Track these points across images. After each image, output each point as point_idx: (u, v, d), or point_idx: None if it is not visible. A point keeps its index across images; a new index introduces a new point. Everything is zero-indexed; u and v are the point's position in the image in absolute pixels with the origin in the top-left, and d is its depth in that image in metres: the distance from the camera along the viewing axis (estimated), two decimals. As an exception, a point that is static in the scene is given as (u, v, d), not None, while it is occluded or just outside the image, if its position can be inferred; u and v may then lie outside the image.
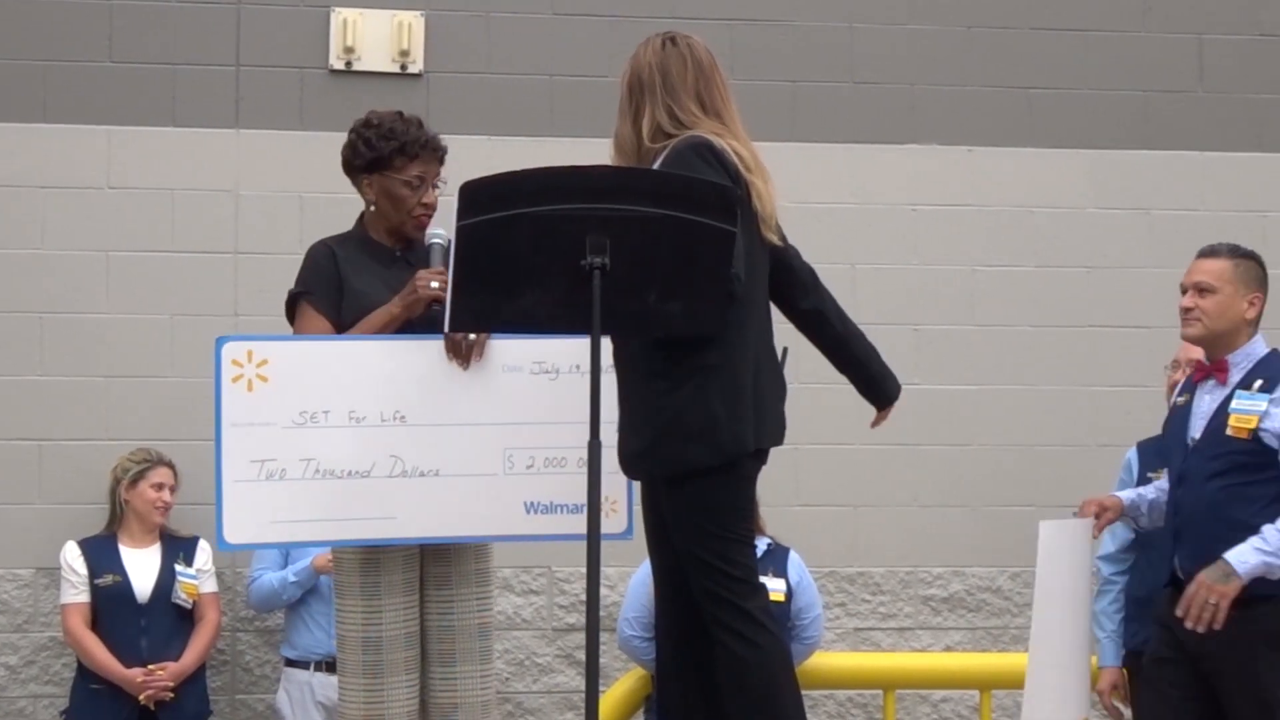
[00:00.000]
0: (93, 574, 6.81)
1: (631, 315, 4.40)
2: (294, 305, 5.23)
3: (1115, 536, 6.27)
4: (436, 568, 5.14)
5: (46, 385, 7.22)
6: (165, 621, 6.80)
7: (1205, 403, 5.44)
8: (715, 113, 4.73)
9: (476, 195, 4.29)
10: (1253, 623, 5.17)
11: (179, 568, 6.85)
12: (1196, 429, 5.42)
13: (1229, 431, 5.31)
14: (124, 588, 6.78)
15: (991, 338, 7.65)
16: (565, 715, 7.41)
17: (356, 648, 5.08)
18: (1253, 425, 5.27)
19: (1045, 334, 7.65)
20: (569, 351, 5.04)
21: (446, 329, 4.73)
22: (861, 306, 7.50)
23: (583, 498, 4.93)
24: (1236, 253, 5.50)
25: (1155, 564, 6.06)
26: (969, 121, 7.72)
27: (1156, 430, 6.36)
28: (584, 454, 4.87)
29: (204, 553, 6.95)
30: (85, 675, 6.80)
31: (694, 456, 4.55)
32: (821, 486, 7.42)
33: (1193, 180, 7.81)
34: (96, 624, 6.80)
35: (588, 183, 4.30)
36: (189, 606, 6.86)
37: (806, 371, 7.15)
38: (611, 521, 4.99)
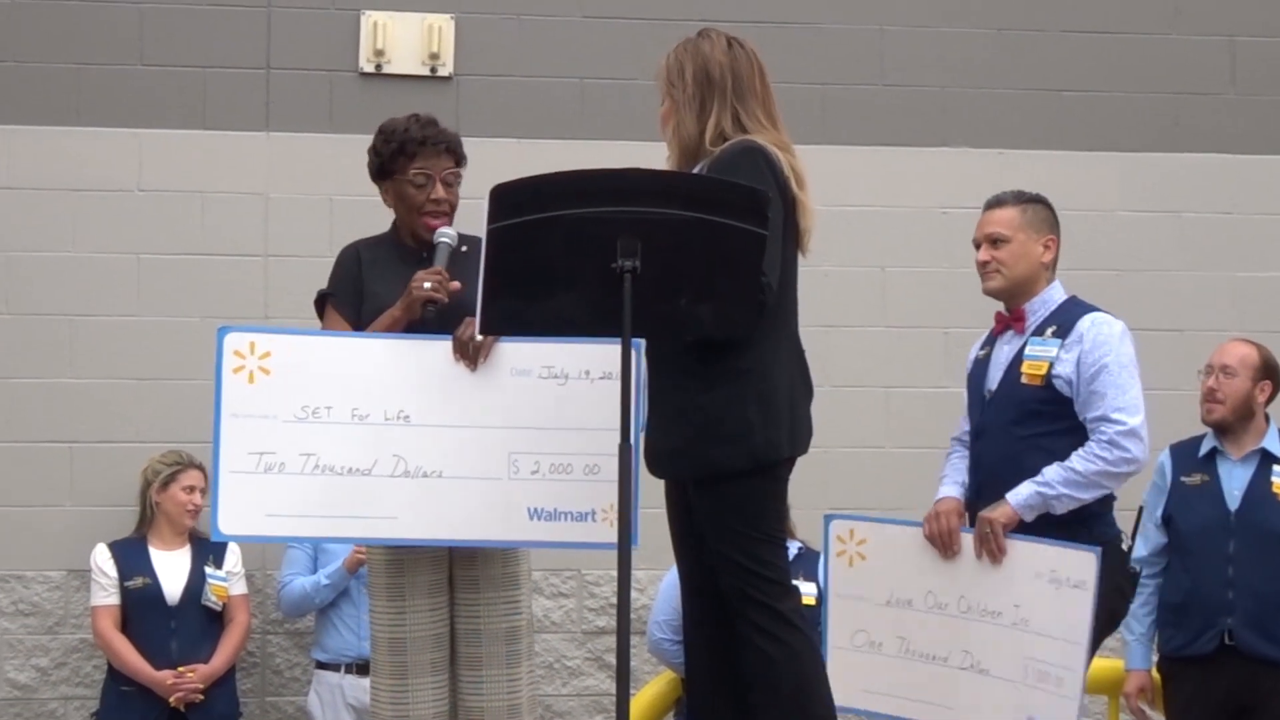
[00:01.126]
0: (123, 576, 6.83)
1: (662, 318, 4.38)
2: (323, 305, 5.27)
3: (1148, 540, 6.23)
4: (464, 571, 5.14)
5: (77, 388, 7.24)
6: (195, 623, 6.82)
7: (1003, 353, 5.42)
8: (775, 123, 4.71)
9: (507, 198, 4.28)
10: None
11: (209, 570, 6.86)
12: (994, 380, 5.40)
13: (1023, 380, 5.30)
14: (154, 590, 6.80)
15: (1022, 341, 7.64)
16: (595, 718, 7.41)
17: (384, 648, 5.09)
18: (1044, 370, 5.27)
19: (1075, 337, 7.63)
20: (578, 357, 5.00)
21: (477, 333, 4.72)
22: (892, 310, 7.56)
23: (586, 505, 4.96)
24: (1023, 198, 5.50)
25: (1190, 568, 6.06)
26: (999, 124, 7.71)
27: (1190, 433, 6.35)
28: (590, 461, 4.93)
29: (234, 555, 6.97)
30: (115, 677, 6.81)
31: (725, 459, 4.53)
32: (851, 490, 7.40)
33: (1224, 183, 7.78)
34: (127, 626, 6.81)
35: (619, 185, 4.28)
36: (219, 609, 6.87)
37: (836, 375, 7.20)
38: (615, 531, 4.95)
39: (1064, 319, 5.36)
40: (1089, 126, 7.73)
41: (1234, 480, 6.16)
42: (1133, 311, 7.59)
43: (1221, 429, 6.22)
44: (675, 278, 4.32)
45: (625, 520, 4.28)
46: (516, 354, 5.00)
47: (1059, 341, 5.29)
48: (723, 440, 4.53)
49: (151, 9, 7.36)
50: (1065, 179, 7.68)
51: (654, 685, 6.76)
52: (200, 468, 6.95)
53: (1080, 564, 5.07)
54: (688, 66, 4.69)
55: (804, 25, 7.62)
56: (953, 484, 5.49)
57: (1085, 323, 5.32)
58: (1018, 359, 5.34)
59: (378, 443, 4.95)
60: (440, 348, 5.00)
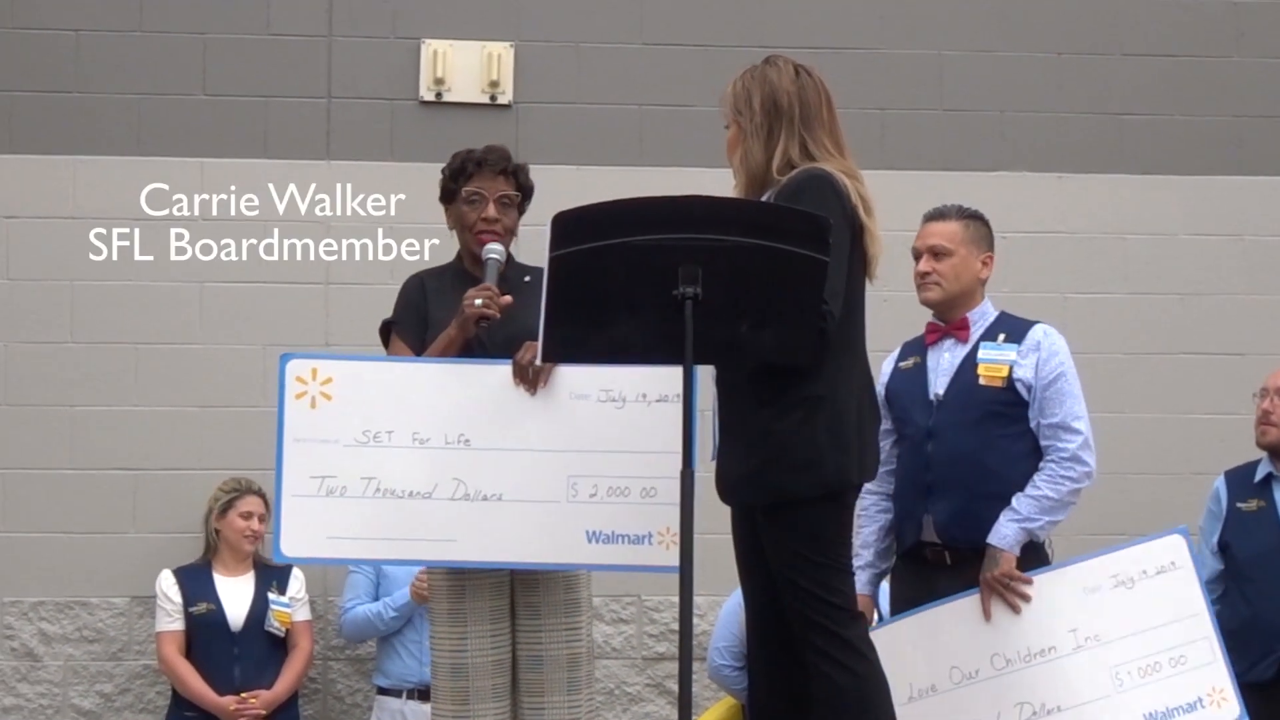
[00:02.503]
0: (187, 602, 6.87)
1: (723, 345, 4.37)
2: (387, 334, 5.32)
3: (1205, 567, 6.19)
4: (526, 597, 5.15)
5: (141, 415, 7.29)
6: (258, 650, 6.85)
7: (946, 360, 5.45)
8: (842, 150, 4.71)
9: (568, 226, 4.28)
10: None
11: (272, 596, 6.89)
12: (940, 385, 5.42)
13: (981, 382, 5.35)
14: (218, 616, 6.83)
15: (1083, 366, 7.49)
16: (655, 745, 7.41)
17: (445, 674, 5.11)
18: (1005, 374, 5.33)
19: (1138, 361, 7.59)
20: (636, 380, 5.02)
21: (539, 360, 4.74)
22: (952, 334, 7.53)
23: (643, 528, 5.00)
24: (965, 213, 5.54)
25: (1247, 594, 6.02)
26: (1060, 148, 7.68)
27: (1250, 458, 6.31)
28: (646, 484, 4.98)
29: (297, 581, 6.99)
30: (179, 703, 6.85)
31: (797, 486, 4.52)
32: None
33: (1287, 205, 7.75)
34: (190, 652, 6.85)
35: (680, 213, 4.28)
36: (282, 635, 6.90)
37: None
38: (671, 554, 4.91)
39: (1010, 328, 5.45)
40: (1150, 150, 7.69)
41: (1290, 505, 6.14)
42: (1196, 335, 7.63)
43: (1276, 452, 6.18)
44: (736, 304, 4.31)
45: (688, 546, 4.28)
46: (575, 378, 5.03)
47: (1014, 346, 5.38)
48: (793, 468, 4.51)
49: (214, 39, 7.41)
50: (1127, 203, 7.67)
51: (714, 711, 6.75)
52: (260, 494, 6.98)
53: (1164, 550, 5.29)
54: (755, 94, 4.68)
55: (863, 50, 7.61)
56: (863, 572, 5.44)
57: (1038, 331, 5.43)
58: (969, 364, 5.40)
59: (438, 466, 4.99)
60: (500, 372, 5.03)
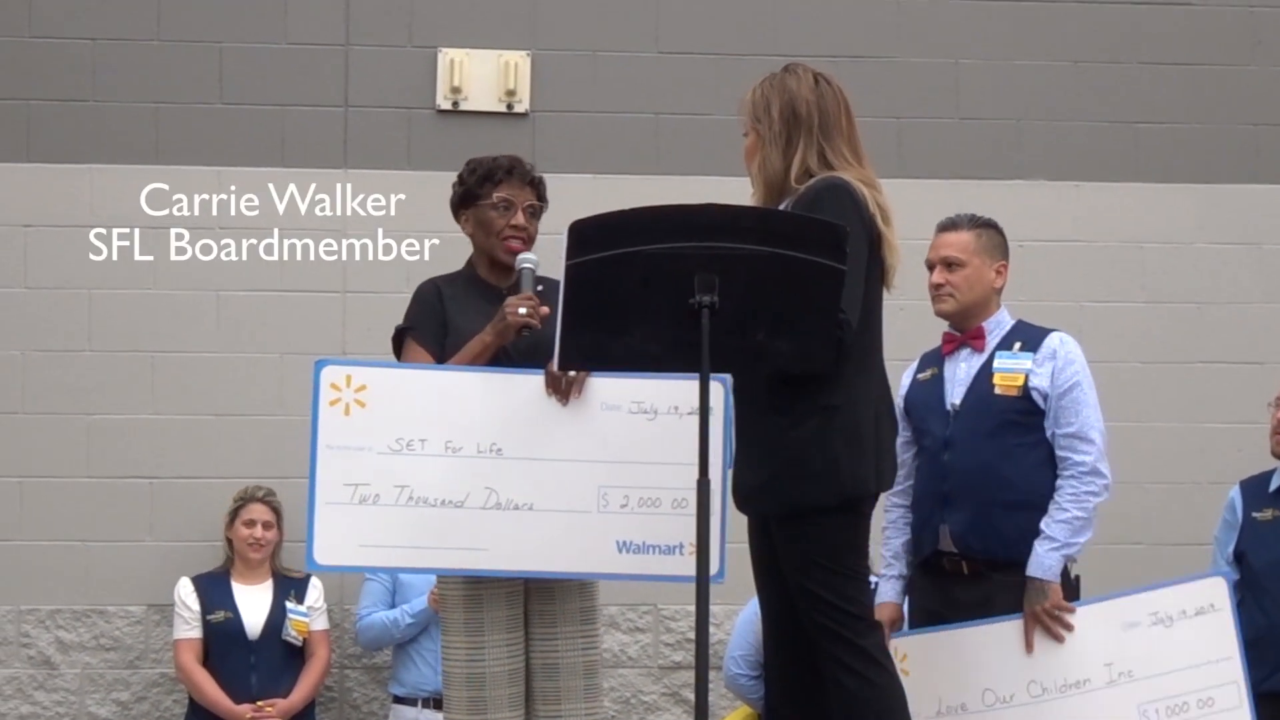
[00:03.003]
0: (205, 610, 6.89)
1: (740, 353, 4.37)
2: (400, 341, 5.28)
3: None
4: (541, 606, 5.14)
5: (158, 424, 7.30)
6: (275, 658, 6.86)
7: (962, 370, 5.41)
8: (860, 159, 4.71)
9: (585, 234, 4.29)
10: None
11: (290, 605, 6.91)
12: (956, 395, 5.39)
13: (997, 391, 5.31)
14: (235, 624, 6.85)
15: (1099, 374, 7.50)
16: (671, 753, 7.41)
17: (461, 684, 5.09)
18: (1020, 382, 5.29)
19: (1154, 370, 7.58)
20: (668, 392, 5.01)
21: (555, 367, 4.74)
22: (969, 343, 7.52)
23: (674, 539, 4.96)
24: (977, 222, 5.50)
25: (1263, 604, 6.00)
26: (1076, 157, 7.68)
27: (1266, 467, 6.30)
28: (678, 495, 4.92)
29: (315, 590, 7.00)
30: (196, 711, 6.87)
31: (812, 495, 4.51)
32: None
33: (1304, 214, 7.74)
34: (207, 660, 6.87)
35: (696, 221, 4.28)
36: (299, 643, 6.91)
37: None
38: None
39: (1027, 336, 5.41)
40: (1167, 158, 7.69)
41: (1306, 515, 6.13)
42: (1212, 344, 7.62)
43: (1290, 463, 6.18)
44: (753, 313, 4.32)
45: (704, 554, 4.28)
46: (607, 389, 5.02)
47: (1030, 355, 5.34)
48: (810, 477, 4.51)
49: (231, 48, 7.43)
50: (1143, 211, 7.66)
51: (731, 720, 6.76)
52: (267, 501, 7.00)
53: (1205, 591, 5.27)
54: (774, 102, 4.68)
55: (879, 59, 7.61)
56: (894, 581, 5.47)
57: (1054, 340, 5.39)
58: (984, 373, 5.37)
59: (470, 475, 4.98)
60: (533, 382, 5.03)
